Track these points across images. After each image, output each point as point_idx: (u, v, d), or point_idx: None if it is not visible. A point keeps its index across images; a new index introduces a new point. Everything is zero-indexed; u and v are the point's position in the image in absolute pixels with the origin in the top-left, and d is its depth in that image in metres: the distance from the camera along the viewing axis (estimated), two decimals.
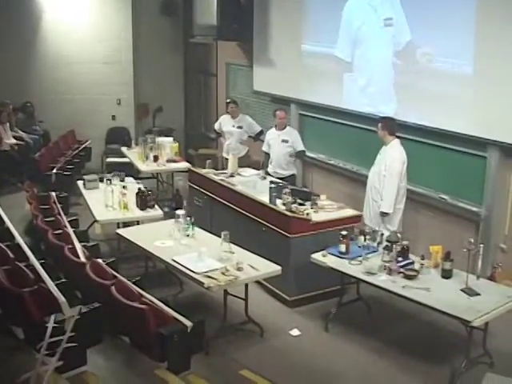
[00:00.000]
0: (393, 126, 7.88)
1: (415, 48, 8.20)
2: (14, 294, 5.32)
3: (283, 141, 9.50)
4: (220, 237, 6.55)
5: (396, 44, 8.52)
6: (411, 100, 8.41)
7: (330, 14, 9.78)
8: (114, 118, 13.85)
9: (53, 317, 4.73)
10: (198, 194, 9.10)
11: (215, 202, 8.62)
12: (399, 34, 8.43)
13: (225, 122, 10.77)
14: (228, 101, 11.08)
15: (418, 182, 8.42)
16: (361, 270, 6.29)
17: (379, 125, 7.88)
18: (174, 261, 6.45)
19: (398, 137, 7.85)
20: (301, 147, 9.59)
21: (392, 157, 7.72)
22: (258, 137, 10.54)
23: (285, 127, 9.57)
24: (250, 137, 10.68)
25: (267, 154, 9.75)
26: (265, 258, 6.54)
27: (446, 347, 6.36)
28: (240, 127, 10.55)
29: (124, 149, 11.67)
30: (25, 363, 4.71)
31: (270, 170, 9.56)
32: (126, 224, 8.16)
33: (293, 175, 9.59)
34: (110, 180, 8.81)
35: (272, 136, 9.68)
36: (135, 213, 8.06)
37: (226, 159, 9.99)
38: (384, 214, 7.72)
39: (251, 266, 6.29)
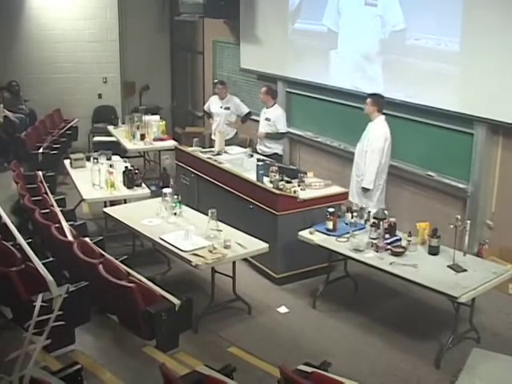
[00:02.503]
0: (382, 103, 7.88)
1: (401, 25, 8.17)
2: (2, 273, 5.31)
3: (266, 119, 9.46)
4: (207, 215, 6.55)
5: (382, 20, 8.48)
6: (398, 77, 8.39)
7: None
8: (100, 96, 13.76)
9: (40, 296, 4.71)
10: (184, 173, 9.09)
11: (202, 180, 8.61)
12: (384, 10, 8.41)
13: (213, 103, 10.65)
14: (215, 81, 10.99)
15: (405, 160, 8.44)
16: (348, 247, 6.30)
17: (369, 100, 7.86)
18: (162, 239, 6.45)
19: (384, 114, 7.86)
20: (280, 128, 9.42)
21: (375, 133, 7.78)
22: (246, 118, 10.47)
23: (273, 105, 9.51)
24: (239, 117, 10.58)
25: None
26: (252, 235, 6.54)
27: (433, 323, 6.40)
28: (227, 108, 10.41)
29: (111, 127, 11.61)
30: (13, 342, 4.70)
31: (257, 146, 9.57)
32: (113, 203, 8.15)
33: (275, 154, 9.40)
34: (96, 159, 8.80)
35: (261, 114, 9.67)
36: (122, 191, 8.04)
37: (214, 140, 9.87)
38: (365, 190, 7.78)
39: (239, 244, 6.30)
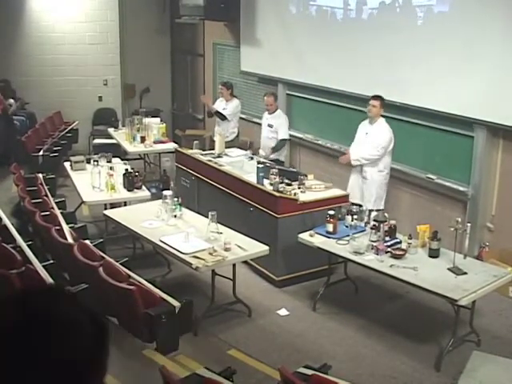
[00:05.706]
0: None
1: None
2: (2, 276, 5.31)
3: (269, 125, 9.45)
4: (207, 217, 6.55)
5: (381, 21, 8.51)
6: (398, 80, 8.38)
7: None
8: (100, 99, 13.76)
9: None
10: (185, 175, 9.08)
11: (202, 183, 8.61)
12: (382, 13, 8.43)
13: (217, 104, 10.61)
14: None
15: (406, 162, 8.43)
16: (348, 250, 6.30)
17: (377, 102, 7.78)
18: (162, 241, 6.45)
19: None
20: (282, 135, 9.42)
21: (383, 136, 7.79)
22: (219, 116, 10.25)
23: (275, 111, 9.51)
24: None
25: None
26: (252, 238, 6.54)
27: (433, 326, 6.40)
28: (224, 110, 10.40)
29: (111, 130, 11.61)
30: None
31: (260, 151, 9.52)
32: (114, 205, 8.15)
33: (277, 160, 9.30)
34: (97, 161, 8.78)
35: (263, 119, 9.66)
36: (122, 194, 8.03)
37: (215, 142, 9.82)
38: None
39: (239, 246, 6.30)
